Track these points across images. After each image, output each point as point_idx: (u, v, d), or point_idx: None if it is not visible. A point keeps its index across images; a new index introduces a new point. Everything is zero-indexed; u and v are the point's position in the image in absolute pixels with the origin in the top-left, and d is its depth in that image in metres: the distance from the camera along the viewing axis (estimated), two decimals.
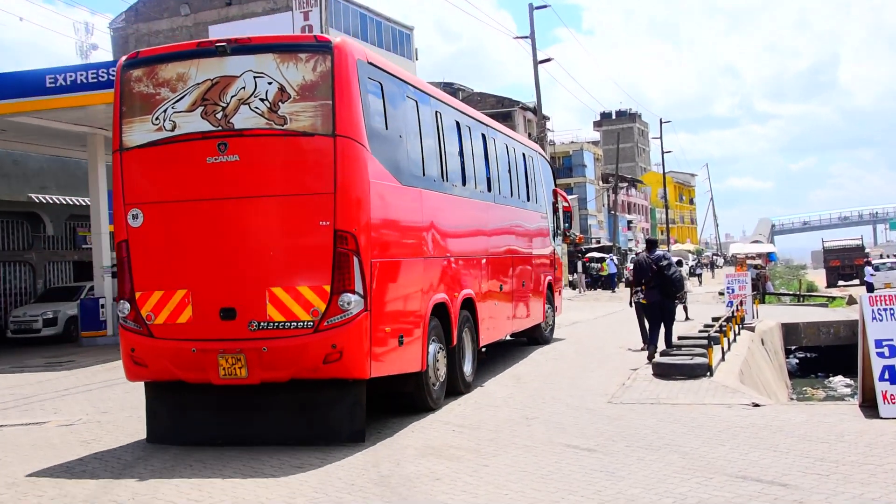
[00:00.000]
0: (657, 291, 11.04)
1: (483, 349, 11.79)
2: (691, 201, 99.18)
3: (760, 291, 35.89)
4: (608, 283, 34.93)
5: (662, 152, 56.80)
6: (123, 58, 7.42)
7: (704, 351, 10.47)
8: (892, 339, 7.42)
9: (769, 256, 45.41)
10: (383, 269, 7.05)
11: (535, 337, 14.39)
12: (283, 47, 6.96)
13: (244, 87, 6.92)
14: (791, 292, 39.68)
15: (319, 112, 6.74)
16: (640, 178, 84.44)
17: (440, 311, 8.49)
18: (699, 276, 42.83)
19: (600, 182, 63.83)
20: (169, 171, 6.98)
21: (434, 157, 8.64)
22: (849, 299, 32.77)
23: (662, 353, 10.57)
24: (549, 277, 14.30)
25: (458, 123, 9.64)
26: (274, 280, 6.73)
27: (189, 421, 7.18)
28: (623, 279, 11.53)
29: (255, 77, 6.93)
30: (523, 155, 13.23)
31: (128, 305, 7.10)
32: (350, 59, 6.90)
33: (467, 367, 9.35)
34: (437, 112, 8.95)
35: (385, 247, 7.17)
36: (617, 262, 36.35)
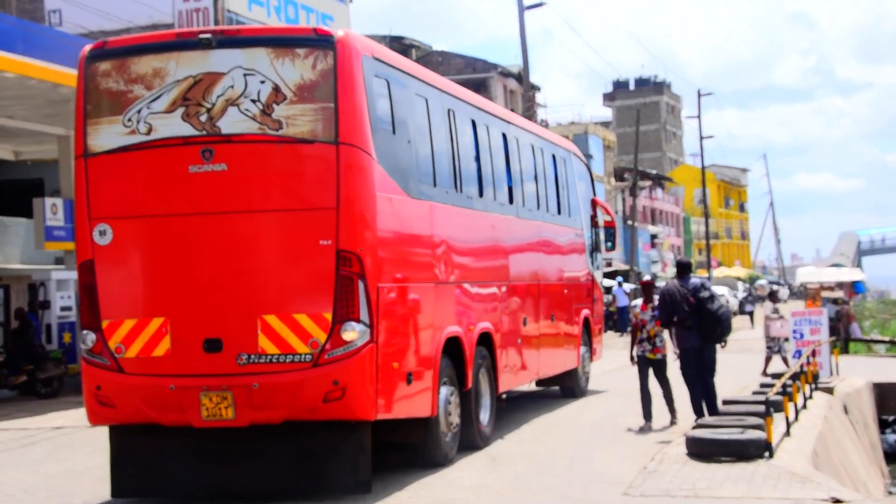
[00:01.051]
0: (695, 333, 11.21)
1: (503, 396, 13.00)
2: (742, 207, 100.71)
3: (842, 337, 36.34)
4: (620, 320, 35.25)
5: (701, 138, 57.59)
6: (87, 47, 8.50)
7: (761, 421, 10.52)
8: None
9: (855, 287, 45.84)
10: (392, 295, 8.28)
11: (568, 387, 15.24)
12: (278, 41, 8.21)
13: (232, 86, 8.13)
14: (888, 339, 40.14)
15: (320, 116, 8.06)
16: (670, 174, 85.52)
17: (453, 346, 9.74)
18: (750, 314, 43.00)
19: (612, 180, 64.41)
20: (143, 180, 8.26)
21: (446, 164, 10.02)
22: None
23: (700, 425, 10.56)
24: (585, 311, 15.32)
25: (473, 122, 10.94)
26: (267, 307, 7.99)
27: (163, 471, 8.29)
28: (630, 320, 11.91)
29: (245, 74, 8.14)
30: (553, 157, 14.32)
31: (93, 336, 8.28)
32: (355, 55, 8.20)
33: (484, 416, 10.63)
34: (449, 110, 10.28)
35: (393, 270, 8.47)
36: (629, 291, 36.69)
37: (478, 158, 11.01)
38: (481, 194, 11.06)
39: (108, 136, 8.31)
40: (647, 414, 11.74)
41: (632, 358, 11.71)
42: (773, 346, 19.59)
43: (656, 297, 11.53)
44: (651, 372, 11.91)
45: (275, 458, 8.18)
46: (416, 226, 9.19)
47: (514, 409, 13.47)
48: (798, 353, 16.76)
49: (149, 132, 8.25)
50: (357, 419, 7.97)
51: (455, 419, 9.74)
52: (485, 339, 10.71)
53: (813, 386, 15.11)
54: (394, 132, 8.76)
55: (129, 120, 8.31)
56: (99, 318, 8.29)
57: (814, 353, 16.22)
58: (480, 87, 53.86)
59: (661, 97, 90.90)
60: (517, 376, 12.02)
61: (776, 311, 20.04)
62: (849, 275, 48.29)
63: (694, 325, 10.98)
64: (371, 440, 8.08)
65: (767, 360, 19.49)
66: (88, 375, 8.34)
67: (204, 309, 8.10)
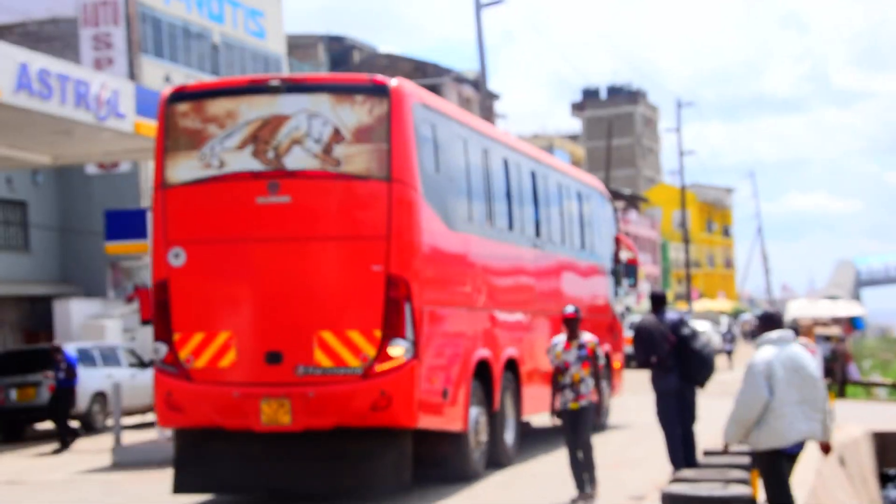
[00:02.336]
0: (674, 375, 11.31)
1: (526, 422, 15.26)
2: (726, 232, 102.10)
3: (839, 379, 36.72)
4: None
5: (681, 153, 58.35)
6: (168, 90, 10.87)
7: (746, 475, 10.54)
8: None
9: (853, 323, 46.33)
10: (433, 317, 10.52)
11: None
12: (339, 88, 10.68)
13: (297, 127, 10.48)
14: (890, 381, 40.65)
15: (375, 156, 10.41)
16: (645, 194, 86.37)
17: (482, 370, 12.04)
18: (729, 353, 43.11)
19: None
20: (215, 209, 10.57)
21: (482, 199, 12.49)
22: None
23: (678, 479, 10.57)
24: (606, 346, 17.18)
25: (505, 161, 13.44)
26: (323, 324, 10.24)
27: (222, 470, 10.55)
28: (551, 362, 10.87)
29: (309, 117, 10.48)
30: (578, 194, 16.85)
31: (165, 347, 10.52)
32: (406, 102, 10.60)
33: (509, 437, 12.97)
34: (485, 150, 12.80)
35: (434, 294, 10.80)
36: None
37: (508, 195, 13.45)
38: (511, 228, 13.51)
39: (184, 169, 10.64)
40: (578, 483, 10.54)
41: (553, 411, 10.72)
42: None
43: (587, 337, 10.82)
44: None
45: (325, 460, 10.44)
46: (455, 256, 11.65)
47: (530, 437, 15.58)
48: None
49: (221, 166, 10.57)
50: (400, 426, 10.21)
51: (483, 437, 12.05)
52: (511, 365, 13.09)
53: None
54: (437, 171, 11.17)
55: (204, 155, 10.60)
56: (171, 332, 10.55)
57: None
58: (432, 92, 54.19)
59: (635, 107, 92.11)
60: (539, 402, 13.97)
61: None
62: (846, 309, 48.79)
63: (673, 365, 11.09)
64: (411, 447, 10.26)
65: None
66: (160, 383, 10.61)
67: (266, 325, 10.39)
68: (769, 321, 8.68)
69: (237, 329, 10.41)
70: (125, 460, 15.21)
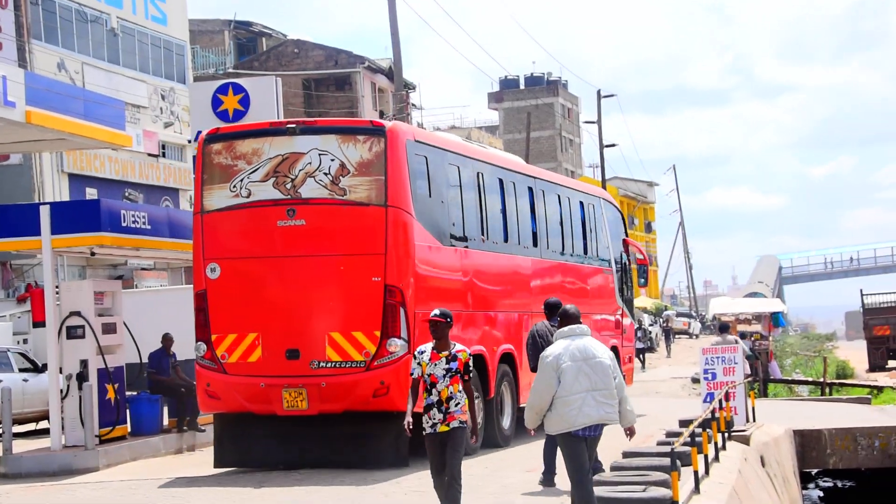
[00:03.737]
0: None
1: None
2: (649, 227, 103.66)
3: (760, 377, 37.45)
4: None
5: (602, 146, 59.21)
6: (204, 132, 14.38)
7: (666, 476, 10.74)
8: None
9: (775, 319, 47.19)
10: (425, 318, 11.97)
11: None
12: (344, 130, 14.07)
13: (310, 163, 13.69)
14: (811, 379, 41.58)
15: (374, 186, 13.66)
16: None
17: (478, 362, 14.76)
18: (640, 352, 43.13)
19: None
20: (243, 231, 13.88)
21: (474, 216, 15.71)
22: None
23: (599, 482, 10.68)
24: (613, 341, 20.20)
25: (500, 181, 16.69)
26: (333, 326, 13.38)
27: (253, 448, 13.89)
28: (413, 374, 10.23)
29: (319, 154, 13.69)
30: (581, 204, 20.14)
31: (204, 346, 13.81)
32: (400, 140, 13.83)
33: (506, 422, 16.07)
34: (478, 173, 16.06)
35: (427, 300, 13.76)
36: None
37: (503, 210, 16.63)
38: (506, 240, 16.71)
39: (218, 198, 13.92)
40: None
41: (407, 424, 9.97)
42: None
43: (459, 347, 10.00)
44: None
45: (336, 438, 13.66)
46: (448, 266, 14.84)
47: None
48: (709, 397, 17.05)
49: (248, 196, 13.83)
50: (398, 410, 12.80)
51: (479, 420, 14.51)
52: (507, 359, 16.11)
53: (726, 434, 15.72)
54: (430, 195, 14.45)
55: (234, 186, 13.84)
56: (209, 333, 13.82)
57: (727, 397, 16.58)
58: (344, 83, 54.43)
59: (555, 99, 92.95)
60: None
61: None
62: (768, 305, 49.95)
63: None
64: None
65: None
66: (201, 376, 13.95)
67: (286, 327, 13.62)
68: (566, 316, 9.90)
69: (263, 330, 13.66)
70: (16, 470, 14.93)
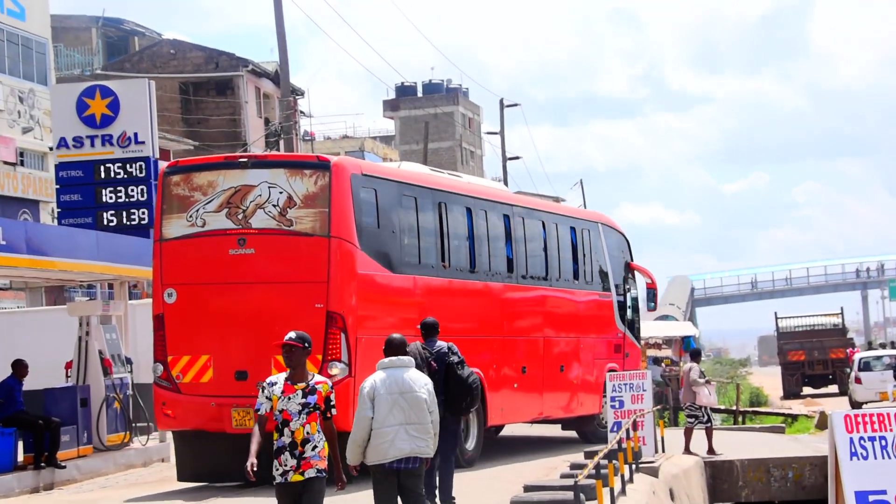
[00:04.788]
0: (439, 403, 12.07)
1: (494, 429, 21.27)
2: None
3: (671, 405, 37.82)
4: None
5: (505, 159, 59.77)
6: (165, 165, 16.65)
7: None
8: (885, 493, 8.19)
9: (686, 344, 47.84)
10: (369, 343, 15.21)
11: (586, 431, 22.91)
12: (292, 164, 16.38)
13: (261, 195, 15.76)
14: (724, 407, 42.15)
15: (318, 217, 15.75)
16: None
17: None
18: None
19: None
20: (198, 258, 16.00)
21: (433, 245, 17.86)
22: (819, 419, 35.01)
23: None
24: (610, 364, 22.61)
25: (468, 210, 18.83)
26: (278, 350, 12.98)
27: (209, 463, 15.94)
28: (259, 410, 9.91)
29: (269, 187, 15.77)
30: (572, 229, 22.29)
31: (161, 367, 15.95)
32: (344, 174, 15.95)
33: (470, 444, 17.97)
34: (440, 203, 18.15)
35: (371, 325, 15.92)
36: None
37: (471, 238, 18.79)
38: (474, 267, 18.85)
39: (176, 227, 16.02)
40: None
41: (250, 466, 9.31)
42: (701, 416, 20.07)
43: (319, 378, 9.58)
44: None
45: None
46: (399, 293, 17.00)
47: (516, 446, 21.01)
48: (616, 426, 17.37)
49: (203, 225, 15.88)
50: (342, 431, 12.62)
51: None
52: None
53: (633, 466, 15.96)
54: (378, 226, 16.55)
55: (191, 216, 15.92)
56: (166, 355, 15.89)
57: (635, 426, 16.88)
58: (225, 87, 54.23)
59: (456, 107, 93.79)
60: (513, 415, 20.09)
61: (702, 374, 20.58)
62: (679, 329, 50.56)
63: (438, 393, 12.07)
64: None
65: (689, 432, 19.94)
66: (157, 395, 16.13)
67: (236, 349, 15.70)
68: (389, 347, 10.50)
69: (215, 352, 15.79)
70: None
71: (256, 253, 15.73)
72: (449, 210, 18.38)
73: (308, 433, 9.08)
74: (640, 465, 16.75)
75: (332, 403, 9.28)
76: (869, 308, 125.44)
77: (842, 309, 57.31)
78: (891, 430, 8.18)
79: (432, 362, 13.06)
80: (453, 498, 13.26)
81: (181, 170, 16.37)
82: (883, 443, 8.07)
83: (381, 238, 16.64)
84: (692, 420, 20.25)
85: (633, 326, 24.29)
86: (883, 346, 48.15)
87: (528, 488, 12.88)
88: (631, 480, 15.16)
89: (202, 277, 16.02)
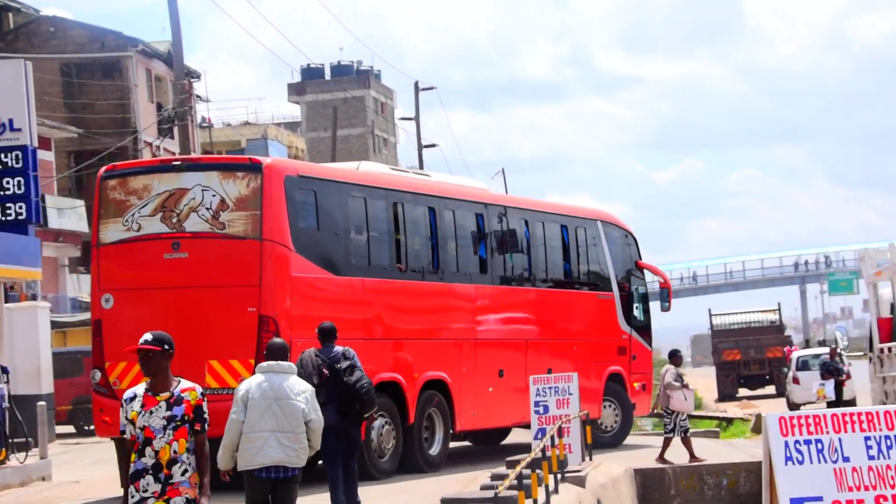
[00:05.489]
0: (333, 410, 13.20)
1: (495, 436, 23.21)
2: None
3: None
4: None
5: (420, 146, 59.75)
6: (103, 169, 17.36)
7: None
8: (821, 500, 8.03)
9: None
10: (307, 348, 15.03)
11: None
12: (225, 166, 17.00)
13: (194, 198, 16.51)
14: (655, 411, 42.12)
15: (250, 220, 16.55)
16: None
17: (391, 389, 18.01)
18: None
19: None
20: (134, 263, 16.89)
21: (385, 247, 18.68)
22: (756, 422, 35.13)
23: None
24: (612, 367, 23.52)
25: (432, 209, 19.49)
26: (212, 354, 16.17)
27: None
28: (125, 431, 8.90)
29: (202, 190, 16.50)
30: (563, 228, 22.98)
31: (99, 373, 16.79)
32: (276, 176, 16.73)
33: (434, 449, 19.09)
34: (395, 203, 18.90)
35: (310, 329, 15.60)
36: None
37: (434, 239, 19.52)
38: (437, 268, 19.62)
39: (113, 232, 16.76)
40: None
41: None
42: (669, 423, 19.85)
43: (186, 385, 8.55)
44: None
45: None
46: (343, 296, 17.73)
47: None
48: (541, 433, 17.19)
49: (139, 230, 16.60)
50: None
51: (389, 445, 18.06)
52: (439, 386, 19.05)
53: (559, 475, 15.74)
54: (318, 228, 17.40)
55: (127, 220, 16.57)
56: (103, 361, 16.65)
57: (560, 433, 16.72)
58: (112, 69, 53.69)
59: (367, 91, 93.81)
60: (488, 420, 20.64)
61: (679, 377, 20.24)
62: None
63: (332, 400, 13.25)
64: None
65: (667, 441, 19.68)
66: (96, 401, 16.97)
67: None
68: (269, 352, 11.07)
69: None
70: None
71: (190, 257, 16.61)
72: (406, 210, 19.28)
73: (175, 452, 8.15)
74: (566, 475, 16.79)
75: (204, 414, 8.30)
76: (808, 303, 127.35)
77: (779, 305, 57.59)
78: (827, 432, 8.23)
79: (324, 369, 13.63)
80: (359, 501, 13.72)
81: (117, 174, 17.20)
82: (819, 446, 8.16)
83: (321, 240, 17.59)
84: (665, 426, 20.28)
85: (643, 328, 24.96)
86: (822, 343, 48.49)
87: (444, 501, 12.69)
88: (556, 491, 15.24)
89: (138, 282, 16.91)
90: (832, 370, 33.82)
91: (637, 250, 25.54)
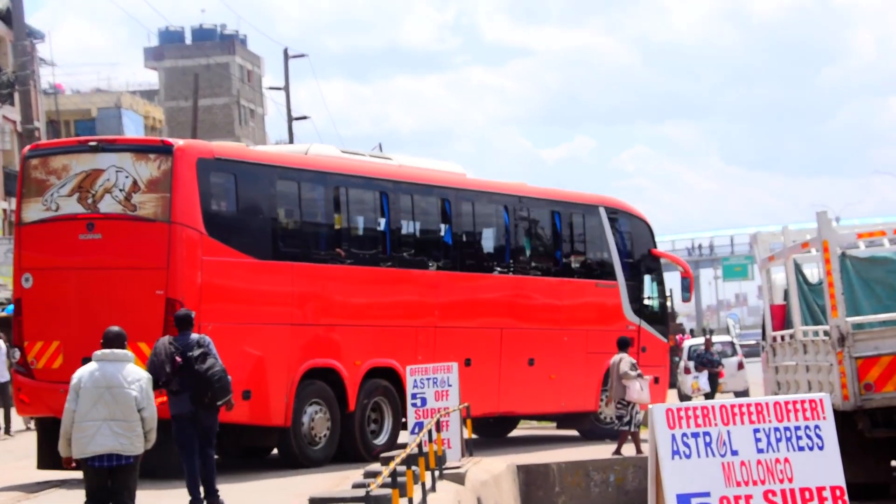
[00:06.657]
0: (185, 398, 14.10)
1: (501, 428, 24.64)
2: None
3: None
4: None
5: (290, 118, 59.69)
6: (27, 148, 19.09)
7: None
8: (708, 496, 8.13)
9: None
10: (220, 332, 17.08)
11: (584, 430, 24.70)
12: (138, 148, 18.63)
13: (109, 179, 17.90)
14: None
15: (161, 203, 17.81)
16: None
17: (330, 375, 19.47)
18: None
19: None
20: (52, 243, 18.26)
21: (321, 231, 20.20)
22: (644, 416, 35.44)
23: None
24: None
25: (384, 194, 20.67)
26: None
27: None
28: None
29: (116, 171, 17.89)
30: (554, 214, 23.89)
31: (18, 352, 18.25)
32: (187, 159, 17.93)
33: (381, 439, 20.17)
34: (336, 187, 20.10)
35: (224, 314, 18.18)
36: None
37: (387, 223, 20.54)
38: (388, 253, 20.73)
39: (33, 211, 18.13)
40: None
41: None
42: (626, 415, 19.90)
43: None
44: None
45: None
46: (268, 282, 18.89)
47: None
48: (418, 427, 17.33)
49: (57, 210, 17.91)
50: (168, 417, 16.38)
51: (322, 433, 19.28)
52: (386, 373, 20.12)
53: (437, 472, 15.90)
54: (237, 211, 18.77)
55: (46, 200, 17.88)
56: (22, 340, 18.02)
57: (439, 427, 16.84)
58: None
59: (232, 58, 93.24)
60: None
61: (634, 366, 20.30)
62: None
63: (186, 388, 14.02)
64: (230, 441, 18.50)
65: (624, 435, 19.74)
66: (15, 380, 18.75)
67: (84, 335, 17.03)
68: (104, 339, 11.80)
69: (64, 338, 17.84)
70: None
71: (103, 238, 17.95)
72: (349, 195, 20.49)
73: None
74: (445, 472, 17.06)
75: None
76: (701, 289, 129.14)
77: (671, 291, 58.44)
78: (716, 424, 8.32)
79: (177, 357, 14.33)
80: (217, 491, 14.58)
81: (40, 153, 18.68)
82: (707, 439, 8.29)
83: (240, 224, 18.96)
84: (620, 419, 20.57)
85: (656, 319, 25.67)
86: (705, 332, 48.87)
87: (313, 501, 12.72)
88: (433, 489, 15.45)
89: (55, 262, 18.30)
90: (706, 362, 34.58)
91: (651, 238, 26.08)
